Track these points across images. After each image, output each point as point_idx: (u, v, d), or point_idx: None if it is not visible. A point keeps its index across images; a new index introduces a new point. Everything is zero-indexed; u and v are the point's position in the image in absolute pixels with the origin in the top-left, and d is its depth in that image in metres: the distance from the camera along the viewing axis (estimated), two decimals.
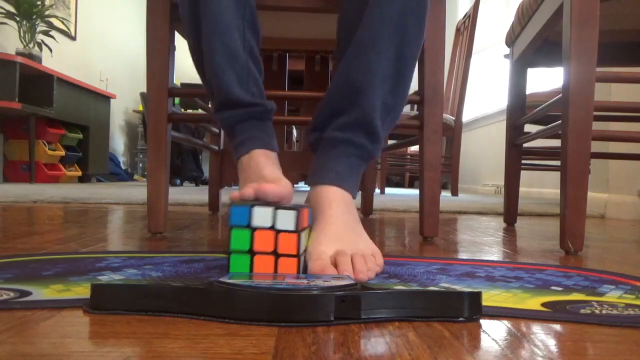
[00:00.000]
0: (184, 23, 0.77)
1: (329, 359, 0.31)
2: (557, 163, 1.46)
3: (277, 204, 0.55)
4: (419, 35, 0.70)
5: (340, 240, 0.59)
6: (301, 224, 0.53)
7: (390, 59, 0.68)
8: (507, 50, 1.36)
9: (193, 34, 0.76)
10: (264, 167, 0.69)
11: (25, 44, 3.51)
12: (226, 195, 1.85)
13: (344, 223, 0.62)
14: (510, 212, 1.31)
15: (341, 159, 0.69)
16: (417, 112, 0.98)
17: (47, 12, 3.68)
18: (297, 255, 0.51)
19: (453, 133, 3.10)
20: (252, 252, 0.51)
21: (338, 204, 0.64)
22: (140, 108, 5.39)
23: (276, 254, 0.51)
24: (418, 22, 0.69)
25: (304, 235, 0.55)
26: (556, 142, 0.91)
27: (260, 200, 0.58)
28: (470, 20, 3.08)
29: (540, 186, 3.12)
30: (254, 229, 0.51)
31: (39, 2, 3.64)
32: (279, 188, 0.59)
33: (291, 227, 0.51)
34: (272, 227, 0.51)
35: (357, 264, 0.55)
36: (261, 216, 0.51)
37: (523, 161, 1.32)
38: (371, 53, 0.68)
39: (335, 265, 0.55)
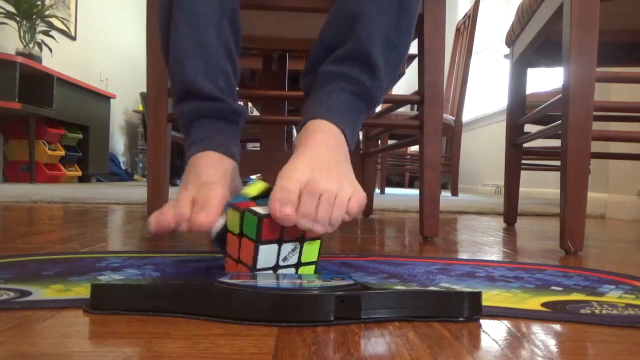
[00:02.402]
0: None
1: (329, 359, 0.31)
2: (557, 163, 1.46)
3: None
4: None
5: (320, 169, 0.51)
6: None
7: None
8: (507, 50, 1.36)
9: (163, 22, 0.68)
10: (203, 169, 0.59)
11: (25, 44, 3.51)
12: None
13: (326, 153, 0.54)
14: (510, 212, 1.31)
15: (335, 94, 0.60)
16: (417, 112, 0.99)
17: (47, 12, 3.68)
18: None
19: (453, 133, 3.10)
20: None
21: (325, 135, 0.56)
22: (140, 108, 5.38)
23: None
24: None
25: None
26: (556, 142, 0.91)
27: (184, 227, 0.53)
28: (470, 20, 3.08)
29: (540, 186, 3.12)
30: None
31: (39, 2, 3.64)
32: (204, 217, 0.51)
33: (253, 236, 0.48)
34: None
35: (320, 210, 0.48)
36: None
37: (523, 161, 1.32)
38: None
39: (298, 198, 0.48)
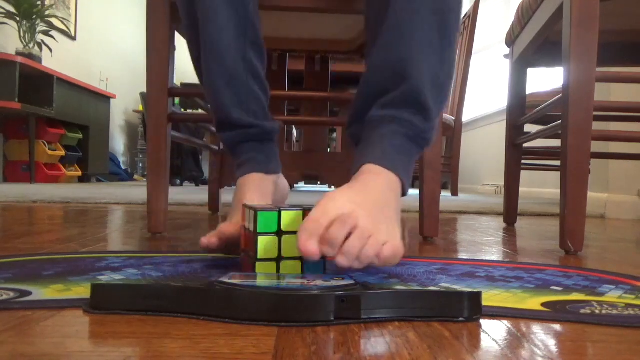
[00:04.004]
0: (183, 27, 0.76)
1: (329, 359, 0.31)
2: (557, 163, 1.46)
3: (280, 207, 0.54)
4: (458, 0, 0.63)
5: (361, 205, 0.48)
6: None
7: (433, 24, 0.59)
8: (507, 50, 1.36)
9: (193, 40, 0.75)
10: (246, 193, 0.68)
11: (25, 44, 3.51)
12: (226, 195, 1.85)
13: (374, 195, 0.51)
14: (510, 212, 1.31)
15: (387, 138, 0.57)
16: None
17: (47, 12, 3.68)
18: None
19: (453, 133, 3.10)
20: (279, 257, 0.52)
21: (378, 176, 0.53)
22: (140, 108, 5.38)
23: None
24: None
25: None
26: (556, 142, 0.91)
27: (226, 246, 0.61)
28: (470, 20, 3.08)
29: (540, 186, 3.12)
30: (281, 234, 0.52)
31: (39, 2, 3.64)
32: (231, 227, 0.61)
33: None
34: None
35: (350, 241, 0.45)
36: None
37: (523, 161, 1.32)
38: (411, 22, 0.59)
39: (329, 226, 0.46)
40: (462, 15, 3.34)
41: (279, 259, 0.52)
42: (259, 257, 0.51)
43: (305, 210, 0.52)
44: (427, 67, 0.60)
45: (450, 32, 0.62)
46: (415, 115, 0.59)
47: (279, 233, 0.52)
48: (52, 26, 3.89)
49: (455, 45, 0.64)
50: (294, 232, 0.50)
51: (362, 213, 0.48)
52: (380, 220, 0.50)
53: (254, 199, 0.67)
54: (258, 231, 0.51)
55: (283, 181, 0.80)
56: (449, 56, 0.62)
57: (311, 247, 0.45)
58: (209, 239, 0.61)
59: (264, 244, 0.51)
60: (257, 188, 0.70)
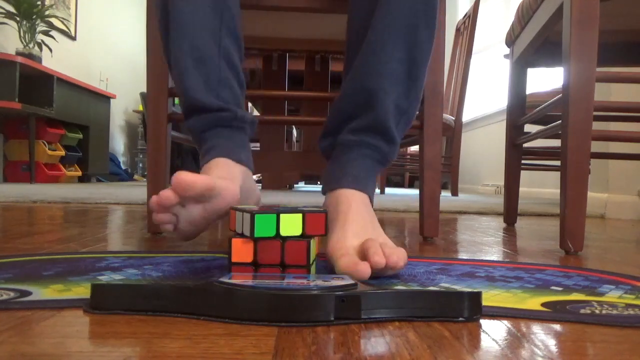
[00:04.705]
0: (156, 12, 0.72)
1: (329, 359, 0.31)
2: (557, 163, 1.46)
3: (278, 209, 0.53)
4: (429, 37, 0.68)
5: (366, 233, 0.57)
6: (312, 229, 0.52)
7: (402, 61, 0.66)
8: (507, 50, 1.36)
9: (163, 27, 0.70)
10: (213, 173, 0.61)
11: (25, 44, 3.51)
12: None
13: (364, 221, 0.60)
14: (510, 212, 1.31)
15: (357, 162, 0.67)
16: (417, 112, 0.98)
17: (47, 12, 3.68)
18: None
19: (453, 133, 3.10)
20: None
21: (357, 204, 0.62)
22: (140, 108, 5.39)
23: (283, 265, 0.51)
24: (427, 23, 0.67)
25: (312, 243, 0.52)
26: (556, 142, 0.91)
27: (182, 197, 0.53)
28: (470, 20, 3.08)
29: (540, 186, 3.12)
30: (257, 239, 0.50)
31: (39, 2, 3.64)
32: (201, 177, 0.52)
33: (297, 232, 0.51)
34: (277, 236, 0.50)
35: (387, 250, 0.52)
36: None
37: (523, 161, 1.32)
38: (381, 55, 0.66)
39: (363, 254, 0.52)
40: (462, 16, 3.34)
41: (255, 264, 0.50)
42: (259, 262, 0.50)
43: (307, 213, 0.52)
44: (392, 100, 0.67)
45: (419, 68, 0.68)
46: (380, 141, 0.68)
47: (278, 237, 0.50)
48: (52, 26, 3.89)
49: (423, 76, 0.70)
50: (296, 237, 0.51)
51: (370, 237, 0.56)
52: (378, 235, 0.59)
53: (219, 174, 0.60)
54: (256, 235, 0.49)
55: (254, 184, 0.72)
56: (415, 88, 0.69)
57: (363, 269, 0.50)
58: (163, 193, 0.53)
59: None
60: (224, 169, 0.63)
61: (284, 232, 0.50)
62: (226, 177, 0.60)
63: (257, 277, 0.45)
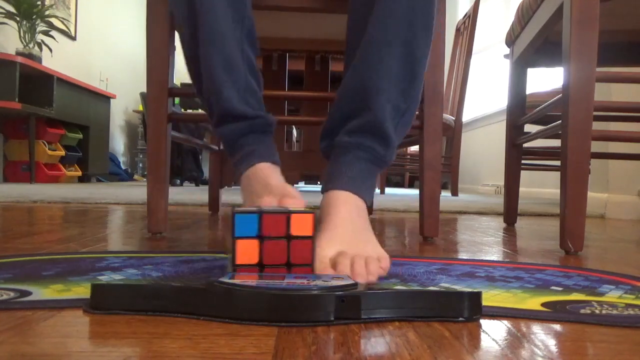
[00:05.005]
0: (177, 19, 0.74)
1: (329, 359, 0.31)
2: (557, 163, 1.46)
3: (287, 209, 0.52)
4: (427, 35, 0.68)
5: (344, 242, 0.57)
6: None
7: (400, 59, 0.66)
8: (507, 50, 1.36)
9: (187, 34, 0.73)
10: (271, 179, 0.66)
11: (25, 44, 3.51)
12: (226, 195, 1.85)
13: (351, 226, 0.60)
14: (510, 212, 1.31)
15: (353, 164, 0.66)
16: (417, 112, 0.98)
17: (47, 12, 3.68)
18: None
19: (453, 133, 3.10)
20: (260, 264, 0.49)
21: (348, 207, 0.62)
22: (140, 108, 5.38)
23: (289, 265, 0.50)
24: (425, 21, 0.67)
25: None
26: (556, 142, 0.91)
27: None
28: (470, 20, 3.08)
29: (540, 186, 3.12)
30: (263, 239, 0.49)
31: (39, 2, 3.64)
32: (300, 201, 0.57)
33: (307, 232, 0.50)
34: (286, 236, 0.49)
35: (356, 266, 0.53)
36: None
37: (523, 161, 1.32)
38: (378, 54, 0.66)
39: (334, 267, 0.53)
40: (462, 16, 3.34)
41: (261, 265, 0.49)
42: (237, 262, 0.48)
43: (292, 214, 0.50)
44: (389, 100, 0.66)
45: (417, 67, 0.68)
46: (376, 143, 0.67)
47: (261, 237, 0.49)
48: (52, 26, 3.89)
49: (422, 75, 0.70)
50: (305, 237, 0.50)
51: (348, 248, 0.56)
52: (363, 243, 0.58)
53: (281, 183, 0.65)
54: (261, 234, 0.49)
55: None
56: (413, 88, 0.68)
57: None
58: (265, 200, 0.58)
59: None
60: (278, 174, 0.68)
61: (267, 232, 0.49)
62: (294, 196, 0.62)
63: (259, 277, 0.45)
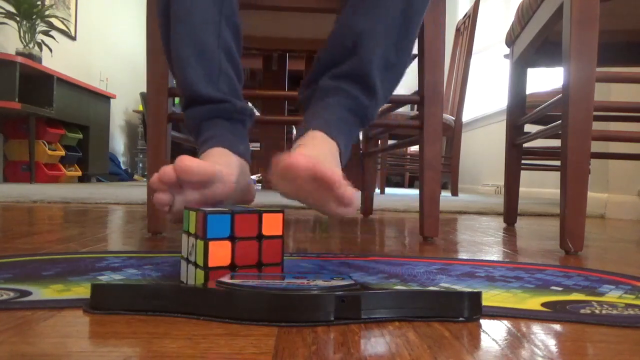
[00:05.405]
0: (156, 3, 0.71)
1: (329, 359, 0.31)
2: (557, 163, 1.45)
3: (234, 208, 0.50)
4: None
5: (322, 159, 0.52)
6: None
7: (397, 7, 0.63)
8: (507, 50, 1.36)
9: (163, 18, 0.69)
10: (209, 160, 0.59)
11: (25, 44, 3.51)
12: None
13: (322, 156, 0.55)
14: (510, 212, 1.31)
15: (334, 109, 0.62)
16: (417, 112, 0.98)
17: (47, 12, 3.67)
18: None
19: (453, 133, 3.10)
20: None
21: (322, 141, 0.57)
22: (140, 108, 5.38)
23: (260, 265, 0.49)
24: None
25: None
26: (556, 142, 0.91)
27: (184, 181, 0.52)
28: (470, 20, 3.08)
29: (540, 186, 3.12)
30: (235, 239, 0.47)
31: (39, 2, 3.64)
32: (204, 163, 0.51)
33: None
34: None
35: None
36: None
37: (523, 161, 1.32)
38: (377, 1, 0.62)
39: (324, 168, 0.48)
40: (462, 16, 3.34)
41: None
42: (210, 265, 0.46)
43: (264, 213, 0.48)
44: (378, 45, 0.63)
45: (413, 19, 0.64)
46: (361, 91, 0.63)
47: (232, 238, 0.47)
48: (52, 26, 3.88)
49: (416, 29, 0.66)
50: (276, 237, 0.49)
51: (326, 162, 0.53)
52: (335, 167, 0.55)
53: (216, 162, 0.58)
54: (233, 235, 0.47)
55: (249, 178, 0.69)
56: (406, 38, 0.65)
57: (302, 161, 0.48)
58: (164, 169, 0.52)
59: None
60: (221, 158, 0.61)
61: (239, 232, 0.47)
62: (224, 167, 0.58)
63: (258, 277, 0.45)
